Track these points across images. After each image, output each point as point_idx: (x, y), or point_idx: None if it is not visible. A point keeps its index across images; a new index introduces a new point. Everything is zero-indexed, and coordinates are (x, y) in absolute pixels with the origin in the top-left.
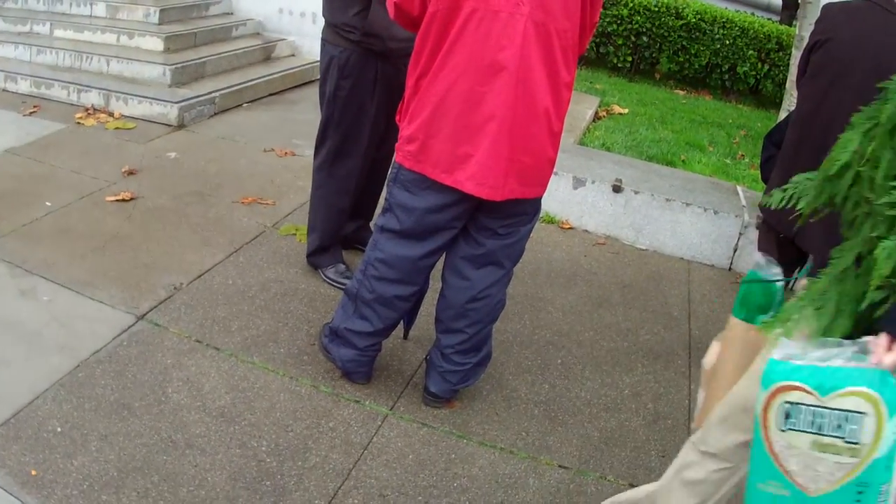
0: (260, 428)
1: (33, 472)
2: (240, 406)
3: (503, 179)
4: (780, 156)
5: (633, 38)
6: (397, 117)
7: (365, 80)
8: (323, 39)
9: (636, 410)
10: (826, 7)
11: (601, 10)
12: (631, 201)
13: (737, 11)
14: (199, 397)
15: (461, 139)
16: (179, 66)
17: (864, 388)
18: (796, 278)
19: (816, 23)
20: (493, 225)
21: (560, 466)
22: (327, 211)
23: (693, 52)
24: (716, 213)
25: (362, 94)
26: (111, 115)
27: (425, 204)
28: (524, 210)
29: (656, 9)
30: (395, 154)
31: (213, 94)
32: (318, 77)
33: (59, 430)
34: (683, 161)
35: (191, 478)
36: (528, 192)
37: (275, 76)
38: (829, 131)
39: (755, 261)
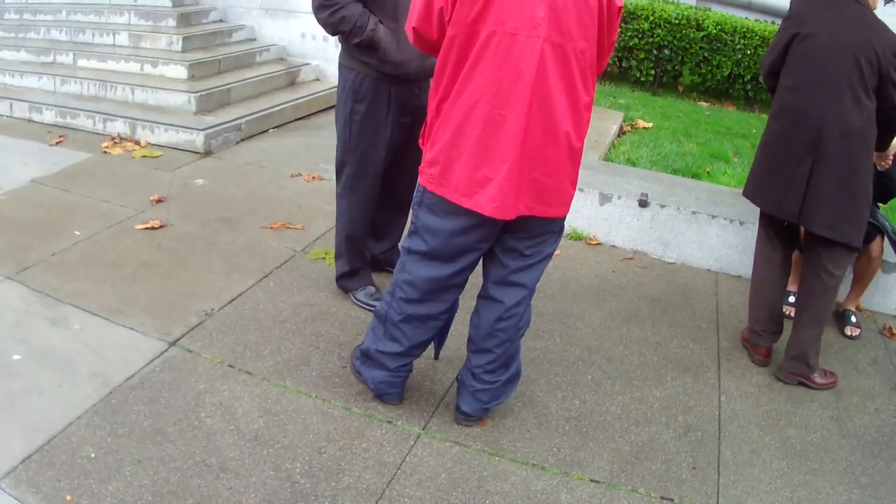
0: (293, 450)
1: (68, 498)
2: (273, 429)
3: (519, 199)
4: (766, 146)
5: (654, 52)
6: (420, 140)
7: (379, 103)
8: (339, 63)
9: (666, 423)
10: (797, 1)
11: (620, 27)
12: (657, 215)
13: (757, 21)
14: (233, 421)
15: (481, 162)
16: (204, 93)
17: None
18: None
19: (789, 17)
20: (520, 246)
21: (592, 481)
22: (350, 235)
23: (715, 63)
24: (742, 224)
25: (377, 117)
26: (137, 143)
27: (450, 226)
28: (549, 230)
29: (677, 21)
30: (419, 177)
31: (239, 121)
32: None
33: (93, 455)
34: (708, 173)
35: (225, 501)
36: (551, 211)
37: (300, 101)
38: (822, 124)
39: None
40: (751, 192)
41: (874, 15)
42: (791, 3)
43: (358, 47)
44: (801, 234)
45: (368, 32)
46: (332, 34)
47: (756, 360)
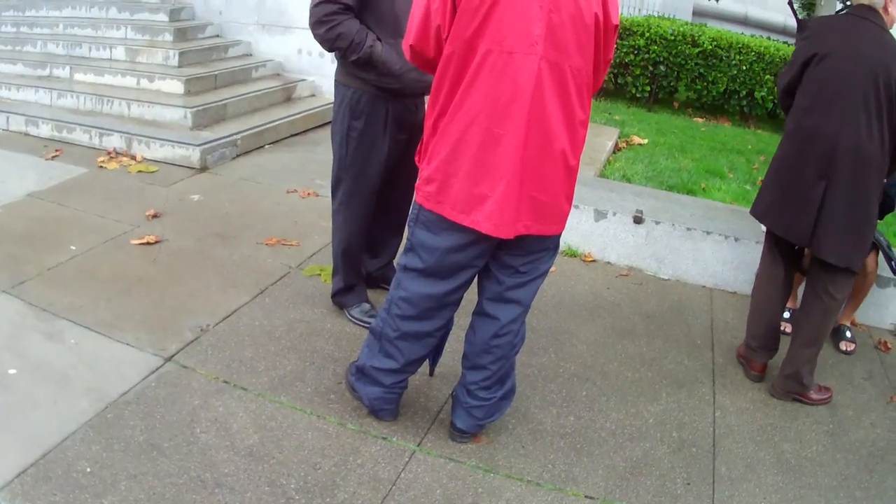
0: (288, 466)
1: None
2: (268, 445)
3: (518, 218)
4: (778, 165)
5: (650, 68)
6: (416, 158)
7: (376, 119)
8: (336, 80)
9: (661, 439)
10: (815, 21)
11: (616, 44)
12: (652, 232)
13: (752, 36)
14: (228, 437)
15: (478, 179)
16: (200, 108)
17: None
18: None
19: (807, 37)
20: (515, 263)
21: (586, 497)
22: (346, 251)
23: (710, 79)
24: (737, 240)
25: (374, 133)
26: (133, 158)
27: (446, 244)
28: (545, 247)
29: (672, 37)
30: (415, 194)
31: (235, 136)
32: None
33: (88, 470)
34: (703, 189)
35: None
36: (547, 229)
37: (296, 117)
38: (836, 146)
39: None
40: (759, 212)
41: (891, 36)
42: (809, 23)
43: (355, 64)
44: (804, 254)
45: (366, 49)
46: (329, 50)
47: (751, 375)
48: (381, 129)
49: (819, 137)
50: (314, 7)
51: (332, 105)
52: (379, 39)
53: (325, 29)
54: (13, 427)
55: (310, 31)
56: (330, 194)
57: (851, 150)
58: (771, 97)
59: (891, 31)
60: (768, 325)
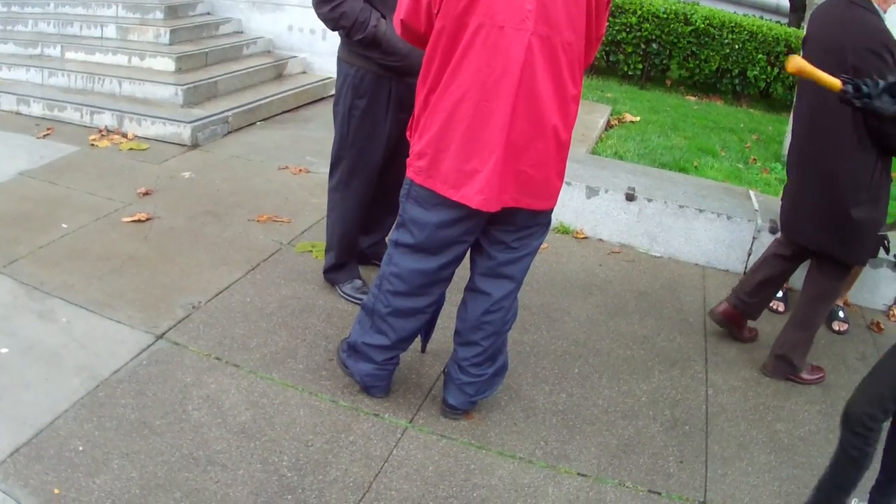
0: (280, 443)
1: (56, 491)
2: (260, 422)
3: (505, 190)
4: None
5: (642, 46)
6: (408, 133)
7: (379, 99)
8: (339, 58)
9: (653, 417)
10: (814, 8)
11: (607, 21)
12: (644, 209)
13: (745, 15)
14: (220, 414)
15: (469, 154)
16: (191, 85)
17: None
18: None
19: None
20: (507, 238)
21: (579, 474)
22: (343, 230)
23: (703, 57)
24: (729, 218)
25: (377, 113)
26: (125, 136)
27: (437, 219)
28: (537, 222)
29: (665, 16)
30: (406, 169)
31: (226, 114)
32: (331, 94)
33: (80, 449)
34: (696, 167)
35: (213, 494)
36: (538, 204)
37: (287, 94)
38: (802, 131)
39: None
40: None
41: (864, 15)
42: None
43: (360, 43)
44: None
45: (371, 29)
46: (333, 30)
47: (713, 314)
48: (384, 108)
49: (797, 125)
50: None
51: (322, 82)
52: (384, 17)
53: (328, 8)
54: (5, 407)
55: (300, 8)
56: (323, 171)
57: (808, 134)
58: (763, 76)
59: (884, 15)
60: (749, 277)
